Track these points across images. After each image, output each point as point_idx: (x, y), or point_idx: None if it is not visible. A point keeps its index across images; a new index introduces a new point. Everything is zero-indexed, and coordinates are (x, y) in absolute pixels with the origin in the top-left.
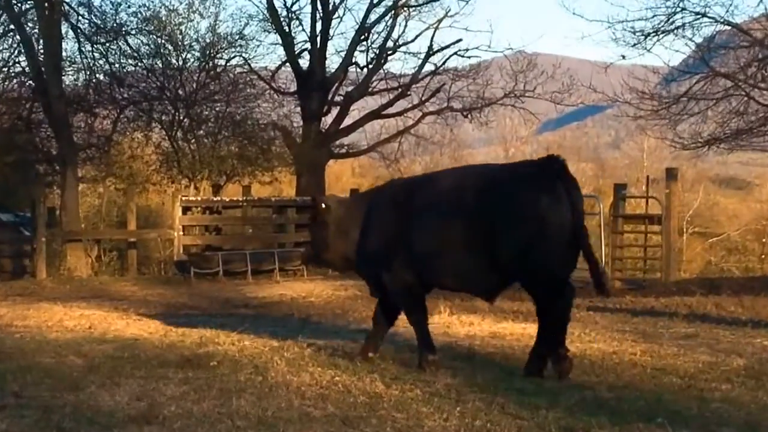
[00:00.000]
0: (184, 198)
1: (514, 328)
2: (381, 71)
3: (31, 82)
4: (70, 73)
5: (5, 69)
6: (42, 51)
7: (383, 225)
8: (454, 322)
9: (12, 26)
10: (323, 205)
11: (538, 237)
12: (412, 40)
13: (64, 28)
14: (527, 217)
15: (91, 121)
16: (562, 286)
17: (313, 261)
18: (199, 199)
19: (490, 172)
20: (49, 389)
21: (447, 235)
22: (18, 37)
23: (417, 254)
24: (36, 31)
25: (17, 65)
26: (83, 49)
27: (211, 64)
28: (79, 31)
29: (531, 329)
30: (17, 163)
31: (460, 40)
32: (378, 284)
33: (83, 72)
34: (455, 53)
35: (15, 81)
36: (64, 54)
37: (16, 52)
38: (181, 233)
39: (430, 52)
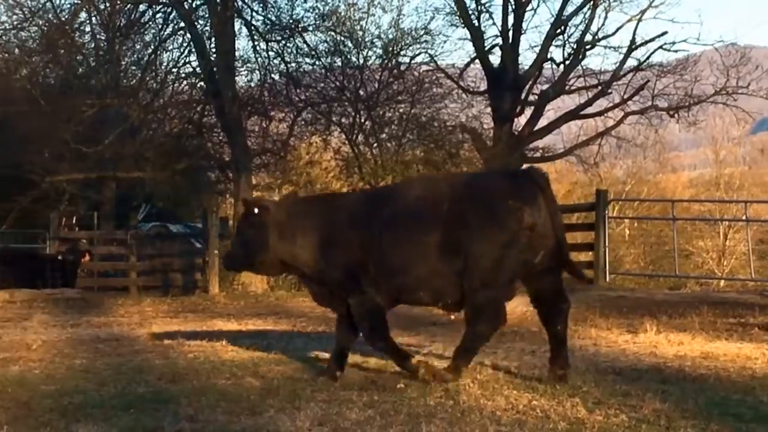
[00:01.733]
0: None
1: (728, 348)
2: (579, 68)
3: (202, 83)
4: (244, 73)
5: (175, 70)
6: (214, 50)
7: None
8: (661, 341)
9: (182, 24)
10: (260, 207)
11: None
12: (613, 34)
13: (237, 25)
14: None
15: (266, 124)
16: None
17: (240, 265)
18: None
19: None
20: (226, 413)
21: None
22: (188, 35)
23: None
24: (207, 29)
25: (187, 66)
26: (257, 47)
27: (394, 62)
28: (253, 28)
29: (747, 349)
30: (188, 171)
31: (665, 33)
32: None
33: (257, 72)
34: (660, 47)
35: (185, 83)
36: (237, 53)
37: (187, 51)
38: None
39: (632, 47)
